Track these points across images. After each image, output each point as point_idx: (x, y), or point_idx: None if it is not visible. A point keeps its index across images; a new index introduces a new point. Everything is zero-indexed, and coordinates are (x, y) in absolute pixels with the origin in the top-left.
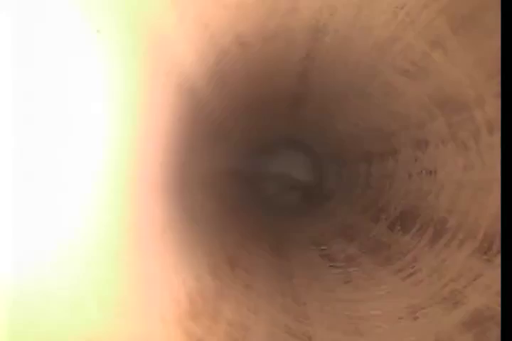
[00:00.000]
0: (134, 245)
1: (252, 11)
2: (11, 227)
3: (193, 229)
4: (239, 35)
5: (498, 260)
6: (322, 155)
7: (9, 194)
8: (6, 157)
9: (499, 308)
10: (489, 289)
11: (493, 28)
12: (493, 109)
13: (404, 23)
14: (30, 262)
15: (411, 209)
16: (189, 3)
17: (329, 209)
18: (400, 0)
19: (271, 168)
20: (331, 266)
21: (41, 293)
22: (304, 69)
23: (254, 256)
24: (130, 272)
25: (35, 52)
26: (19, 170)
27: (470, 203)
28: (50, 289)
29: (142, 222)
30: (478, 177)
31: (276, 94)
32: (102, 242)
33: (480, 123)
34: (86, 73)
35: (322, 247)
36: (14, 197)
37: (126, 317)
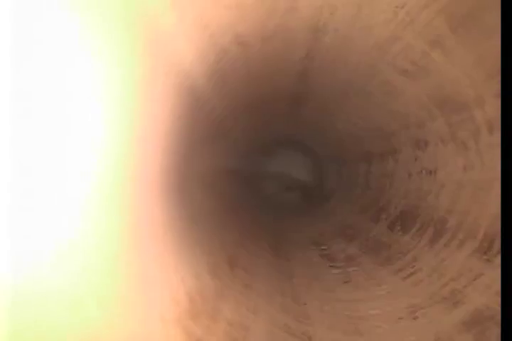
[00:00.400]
0: (133, 244)
1: (252, 11)
2: (9, 227)
3: (192, 228)
4: (238, 35)
5: (498, 260)
6: (322, 155)
7: (7, 193)
8: (4, 156)
9: (499, 308)
10: (489, 289)
11: (493, 27)
12: (493, 108)
13: (404, 23)
14: (29, 262)
15: (411, 208)
16: (189, 3)
17: (329, 208)
18: None
19: (270, 168)
20: (330, 265)
21: (40, 292)
22: (303, 69)
23: (253, 256)
24: (129, 271)
25: (33, 51)
26: (17, 170)
27: (470, 203)
28: (49, 289)
29: (141, 221)
30: (478, 177)
31: (276, 94)
32: (101, 242)
33: (480, 123)
34: (85, 73)
35: (322, 247)
36: (12, 196)
37: (125, 317)
